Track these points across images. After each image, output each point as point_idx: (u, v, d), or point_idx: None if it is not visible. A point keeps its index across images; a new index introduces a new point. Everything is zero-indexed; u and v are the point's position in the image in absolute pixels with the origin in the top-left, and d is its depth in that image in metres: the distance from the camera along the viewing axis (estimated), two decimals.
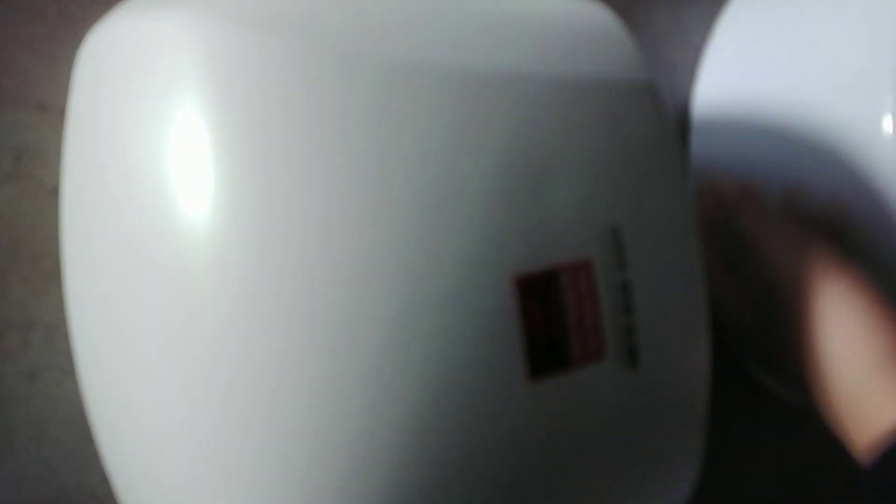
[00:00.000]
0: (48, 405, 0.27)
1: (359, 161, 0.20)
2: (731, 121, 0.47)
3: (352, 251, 0.20)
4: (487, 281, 0.21)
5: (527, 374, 0.21)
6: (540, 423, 0.22)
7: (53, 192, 0.27)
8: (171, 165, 0.20)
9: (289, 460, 0.19)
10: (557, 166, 0.22)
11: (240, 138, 0.20)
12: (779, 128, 0.44)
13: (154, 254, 0.21)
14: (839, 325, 0.30)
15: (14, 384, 0.26)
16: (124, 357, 0.22)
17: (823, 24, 0.45)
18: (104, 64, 0.23)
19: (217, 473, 0.20)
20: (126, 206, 0.22)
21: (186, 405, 0.20)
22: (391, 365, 0.20)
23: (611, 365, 0.23)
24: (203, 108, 0.20)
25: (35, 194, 0.26)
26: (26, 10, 0.26)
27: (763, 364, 0.36)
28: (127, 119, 0.22)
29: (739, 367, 0.38)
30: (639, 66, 0.26)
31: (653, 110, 0.25)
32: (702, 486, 0.28)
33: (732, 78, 0.48)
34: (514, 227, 0.21)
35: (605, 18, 0.27)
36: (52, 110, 0.26)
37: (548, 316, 0.22)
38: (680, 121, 0.48)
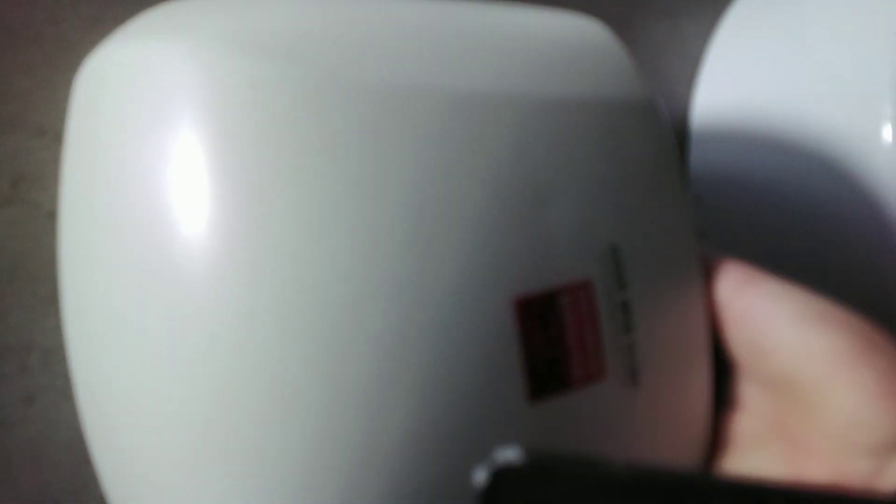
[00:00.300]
0: (46, 429, 0.26)
1: (355, 185, 0.20)
2: (729, 132, 0.47)
3: (348, 275, 0.20)
4: (487, 303, 0.21)
5: (527, 396, 0.21)
6: (540, 444, 0.22)
7: (51, 217, 0.27)
8: (169, 191, 0.20)
9: (283, 484, 0.19)
10: (555, 186, 0.22)
11: (238, 163, 0.20)
12: (778, 138, 0.44)
13: (151, 278, 0.21)
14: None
15: (12, 408, 0.26)
16: (122, 379, 0.22)
17: (822, 35, 0.45)
18: (102, 89, 0.23)
19: (211, 492, 0.20)
20: (124, 230, 0.22)
21: (183, 427, 0.20)
22: (388, 387, 0.20)
23: (611, 384, 0.23)
24: (201, 134, 0.20)
25: (32, 218, 0.26)
26: (24, 36, 0.26)
27: None
28: (125, 144, 0.22)
29: None
30: (636, 83, 0.26)
31: (651, 127, 0.25)
32: None
33: (731, 89, 0.48)
34: (513, 248, 0.21)
35: (601, 35, 0.27)
36: (50, 134, 0.26)
37: (548, 337, 0.22)
38: (678, 132, 0.48)
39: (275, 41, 0.20)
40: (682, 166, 0.26)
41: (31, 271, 0.26)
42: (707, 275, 0.26)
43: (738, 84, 0.47)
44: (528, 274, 0.21)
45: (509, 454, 0.16)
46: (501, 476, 0.16)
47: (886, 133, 0.41)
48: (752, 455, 0.26)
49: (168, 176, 0.20)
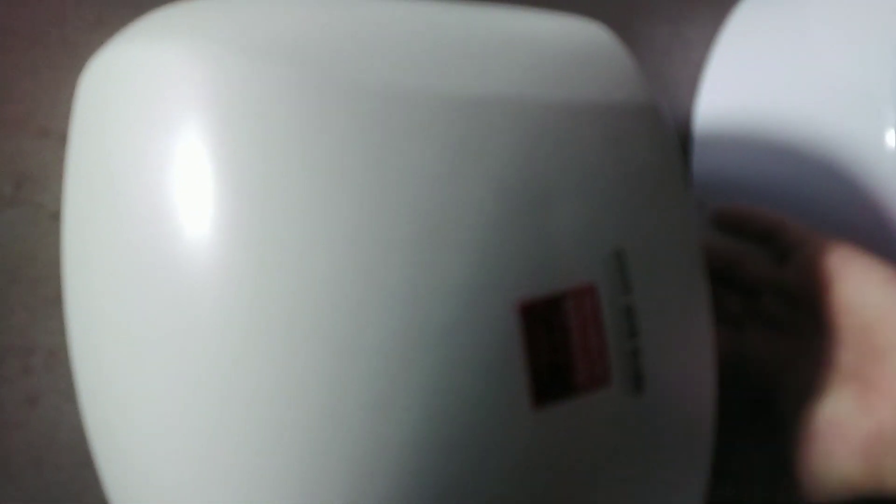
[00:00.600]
0: (48, 430, 0.26)
1: (358, 188, 0.20)
2: (732, 136, 0.47)
3: (352, 279, 0.19)
4: (491, 308, 0.21)
5: (532, 402, 0.21)
6: (545, 450, 0.22)
7: (54, 217, 0.26)
8: (173, 193, 0.20)
9: (286, 486, 0.19)
10: (560, 191, 0.22)
11: (242, 166, 0.20)
12: (780, 143, 0.44)
13: (155, 279, 0.21)
14: None
15: (14, 409, 0.26)
16: (125, 381, 0.22)
17: (825, 40, 0.45)
18: (106, 91, 0.23)
19: (213, 495, 0.20)
20: (128, 231, 0.22)
21: (186, 431, 0.20)
22: (393, 392, 0.20)
23: (616, 390, 0.23)
24: (205, 136, 0.20)
25: (36, 220, 0.26)
26: (28, 37, 0.26)
27: None
28: (129, 146, 0.22)
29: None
30: (639, 87, 0.26)
31: (654, 131, 0.25)
32: None
33: (734, 93, 0.48)
34: (518, 253, 0.21)
35: (605, 38, 0.27)
36: (54, 136, 0.26)
37: (552, 342, 0.22)
38: (681, 136, 0.48)
39: (278, 44, 0.20)
40: (685, 169, 0.26)
41: (34, 272, 0.26)
42: (813, 250, 0.33)
43: (741, 89, 0.47)
44: (533, 278, 0.21)
45: None
46: None
47: (889, 138, 0.41)
48: (826, 400, 0.30)
49: (172, 177, 0.20)
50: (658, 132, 0.25)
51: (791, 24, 0.47)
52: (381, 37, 0.22)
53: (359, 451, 0.19)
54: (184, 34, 0.21)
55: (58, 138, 0.27)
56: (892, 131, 0.40)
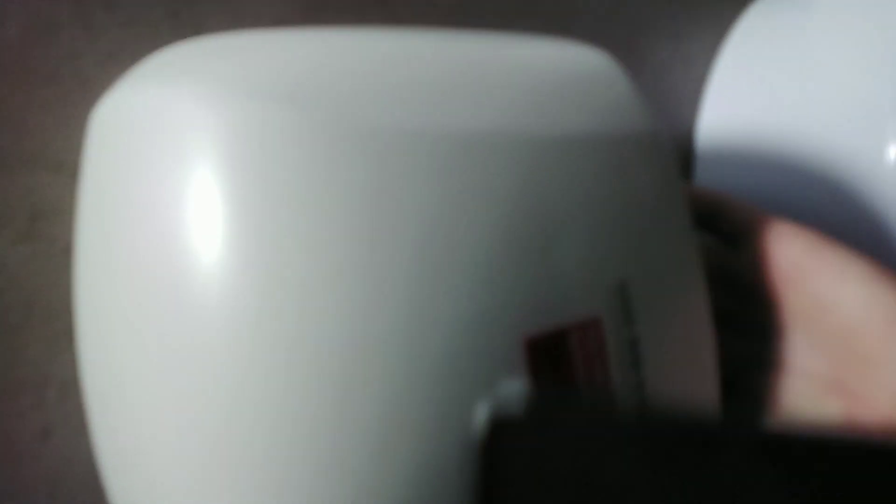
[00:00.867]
0: (62, 463, 0.27)
1: (363, 226, 0.20)
2: (734, 151, 0.47)
3: (356, 314, 0.20)
4: (497, 343, 0.21)
5: None
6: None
7: (67, 251, 0.27)
8: (184, 229, 0.21)
9: None
10: (563, 224, 0.23)
11: (251, 205, 0.20)
12: (782, 158, 0.45)
13: (164, 311, 0.21)
14: None
15: (28, 443, 0.26)
16: (137, 412, 0.23)
17: (826, 54, 0.45)
18: (118, 130, 0.23)
19: None
20: (140, 262, 0.22)
21: (197, 460, 0.21)
22: (398, 427, 0.20)
23: None
24: (215, 176, 0.20)
25: (49, 253, 0.27)
26: (41, 73, 0.26)
27: None
28: (141, 183, 0.22)
29: None
30: (641, 115, 0.26)
31: (655, 160, 0.25)
32: None
33: (735, 108, 0.48)
34: (523, 288, 0.22)
35: (606, 66, 0.27)
36: (66, 170, 0.27)
37: (559, 376, 0.22)
38: (684, 151, 0.48)
39: (283, 87, 0.21)
40: (686, 197, 0.26)
41: (47, 306, 0.27)
42: (769, 236, 0.28)
43: (743, 104, 0.48)
44: (538, 313, 0.22)
45: (512, 389, 0.15)
46: (503, 427, 0.15)
47: (891, 152, 0.41)
48: (809, 413, 0.27)
49: (183, 215, 0.21)
50: (659, 160, 0.25)
51: (792, 38, 0.47)
52: (383, 75, 0.22)
53: (361, 484, 0.20)
54: (193, 77, 0.21)
55: (70, 172, 0.27)
56: (894, 147, 0.41)
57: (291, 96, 0.21)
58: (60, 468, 0.27)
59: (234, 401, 0.20)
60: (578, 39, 0.40)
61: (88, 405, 0.25)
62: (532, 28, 0.39)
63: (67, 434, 0.27)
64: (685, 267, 0.25)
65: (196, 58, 0.23)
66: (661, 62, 0.46)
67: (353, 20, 0.33)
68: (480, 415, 0.17)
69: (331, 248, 0.20)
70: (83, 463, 0.27)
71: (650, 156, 0.25)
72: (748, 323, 0.29)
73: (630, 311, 0.23)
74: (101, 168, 0.24)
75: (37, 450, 0.26)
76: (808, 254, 0.28)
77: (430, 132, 0.22)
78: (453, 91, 0.23)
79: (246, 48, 0.23)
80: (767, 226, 0.28)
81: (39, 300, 0.27)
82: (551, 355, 0.22)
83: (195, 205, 0.20)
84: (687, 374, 0.25)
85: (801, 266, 0.27)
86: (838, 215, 0.43)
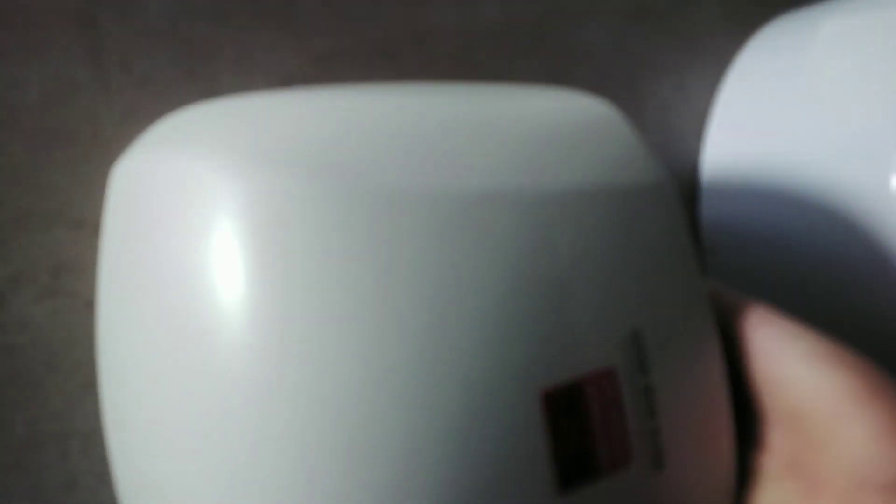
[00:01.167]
0: None
1: (378, 286, 0.21)
2: (739, 185, 0.48)
3: (372, 373, 0.20)
4: (513, 399, 0.21)
5: (556, 489, 0.22)
6: None
7: (89, 305, 0.27)
8: (207, 289, 0.21)
9: None
10: (574, 276, 0.23)
11: (270, 267, 0.21)
12: (786, 190, 0.45)
13: (185, 363, 0.22)
14: None
15: (53, 495, 0.27)
16: (160, 463, 0.23)
17: (826, 88, 0.45)
18: (138, 189, 0.24)
19: None
20: (161, 317, 0.23)
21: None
22: (412, 483, 0.20)
23: (637, 469, 0.23)
24: (234, 241, 0.21)
25: (72, 308, 0.27)
26: (62, 134, 0.27)
27: None
28: (160, 245, 0.23)
29: None
30: (646, 165, 0.26)
31: (663, 208, 0.26)
32: None
33: (738, 143, 0.49)
34: (537, 342, 0.22)
35: (609, 116, 0.27)
36: (87, 226, 0.28)
37: (575, 429, 0.22)
38: (689, 186, 0.49)
39: (298, 152, 0.22)
40: (695, 243, 0.27)
41: (70, 359, 0.27)
42: (730, 314, 0.28)
43: (745, 138, 0.48)
44: (553, 366, 0.22)
45: None
46: None
47: (894, 184, 0.41)
48: (770, 492, 0.27)
49: (204, 274, 0.21)
50: (667, 209, 0.26)
51: (792, 72, 0.47)
52: (393, 138, 0.23)
53: None
54: (211, 143, 0.22)
55: (91, 228, 0.28)
56: None
57: (305, 162, 0.21)
58: None
59: (254, 454, 0.21)
60: (580, 80, 0.41)
61: (111, 456, 0.26)
62: (534, 70, 0.40)
63: (91, 485, 0.27)
64: (696, 314, 0.26)
65: (214, 121, 0.24)
66: (664, 98, 0.46)
67: (361, 71, 0.34)
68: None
69: (347, 310, 0.21)
70: None
71: (657, 205, 0.26)
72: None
73: (644, 359, 0.24)
74: (122, 227, 0.25)
75: (62, 502, 0.27)
76: (756, 328, 0.27)
77: (440, 192, 0.22)
78: (461, 150, 0.23)
79: (260, 112, 0.24)
80: (746, 312, 0.28)
81: (62, 355, 0.27)
82: (568, 408, 0.22)
83: (216, 265, 0.21)
84: (702, 421, 0.25)
85: (750, 342, 0.27)
86: (843, 247, 0.43)
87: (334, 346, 0.20)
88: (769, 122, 0.47)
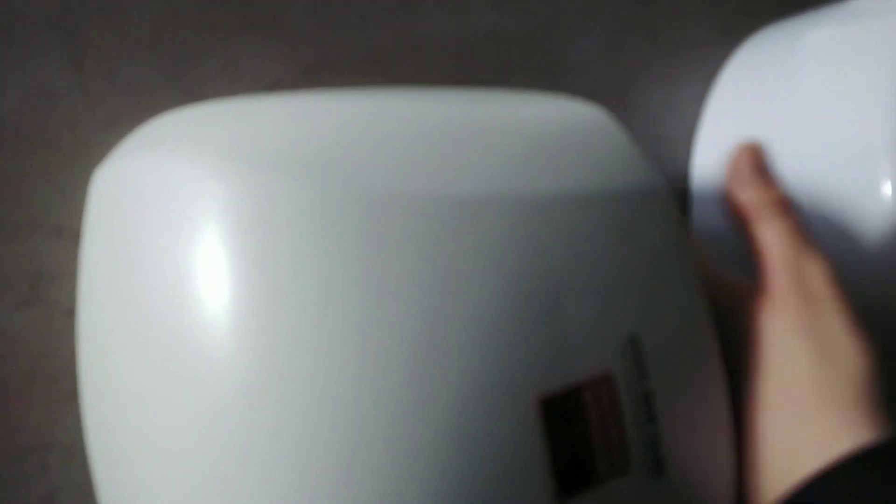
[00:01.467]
0: None
1: (368, 291, 0.20)
2: None
3: (365, 380, 0.20)
4: (510, 405, 0.21)
5: (555, 496, 0.21)
6: None
7: (70, 314, 0.27)
8: (192, 296, 0.21)
9: None
10: (571, 281, 0.23)
11: (256, 272, 0.20)
12: None
13: (168, 367, 0.21)
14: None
15: None
16: (143, 473, 0.23)
17: (814, 95, 0.45)
18: (120, 195, 0.23)
19: None
20: (146, 323, 0.22)
21: None
22: (412, 493, 0.20)
23: (637, 476, 0.23)
24: (219, 243, 0.20)
25: (52, 317, 0.27)
26: (40, 140, 0.26)
27: None
28: (146, 250, 0.22)
29: None
30: (640, 169, 0.26)
31: (660, 213, 0.26)
32: None
33: (728, 152, 0.48)
34: (534, 348, 0.22)
35: (603, 121, 0.27)
36: (67, 234, 0.27)
37: (573, 435, 0.22)
38: (679, 194, 0.49)
39: (283, 154, 0.21)
40: (692, 248, 0.26)
41: (51, 370, 0.27)
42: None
43: (735, 145, 0.48)
44: (550, 371, 0.22)
45: None
46: None
47: (883, 190, 0.41)
48: None
49: (189, 279, 0.21)
50: (664, 214, 0.26)
51: (780, 80, 0.47)
52: (382, 140, 0.22)
53: None
54: (196, 145, 0.22)
55: (71, 236, 0.27)
56: (888, 182, 0.41)
57: (290, 164, 0.21)
58: None
59: (239, 461, 0.20)
60: (570, 90, 0.41)
61: (93, 468, 0.25)
62: (525, 80, 0.39)
63: (72, 498, 0.27)
64: (695, 318, 0.25)
65: (197, 124, 0.23)
66: (654, 108, 0.46)
67: (350, 80, 0.34)
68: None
69: (336, 315, 0.20)
70: None
71: (652, 210, 0.26)
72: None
73: (642, 364, 0.23)
74: (104, 233, 0.24)
75: None
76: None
77: (431, 196, 0.22)
78: (453, 154, 0.23)
79: (244, 115, 0.23)
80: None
81: (42, 364, 0.26)
82: (566, 413, 0.22)
83: (201, 270, 0.21)
84: (702, 425, 0.25)
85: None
86: (833, 253, 0.43)
87: (323, 353, 0.20)
88: (758, 130, 0.47)
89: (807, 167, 0.44)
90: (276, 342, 0.20)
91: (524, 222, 0.23)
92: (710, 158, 0.49)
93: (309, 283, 0.20)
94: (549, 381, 0.22)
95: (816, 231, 0.43)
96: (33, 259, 0.26)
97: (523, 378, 0.21)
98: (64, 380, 0.27)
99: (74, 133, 0.27)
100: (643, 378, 0.23)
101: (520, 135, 0.25)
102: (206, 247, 0.20)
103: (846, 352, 0.28)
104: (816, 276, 0.30)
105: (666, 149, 0.48)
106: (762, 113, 0.48)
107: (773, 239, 0.31)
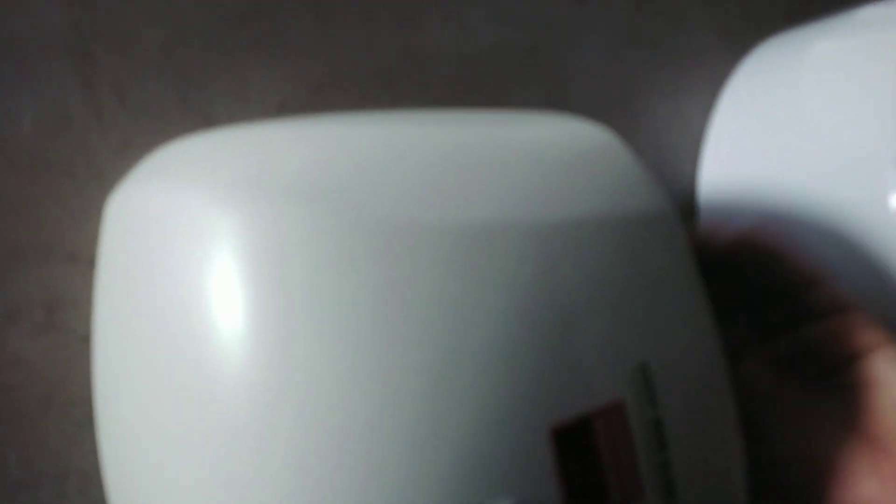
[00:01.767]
0: None
1: (380, 320, 0.21)
2: (735, 204, 0.48)
3: (375, 410, 0.20)
4: (524, 436, 0.21)
5: None
6: None
7: (85, 340, 0.27)
8: (206, 323, 0.21)
9: None
10: (581, 308, 0.23)
11: (271, 300, 0.20)
12: (782, 209, 0.45)
13: (183, 395, 0.21)
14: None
15: None
16: (159, 497, 0.23)
17: (820, 106, 0.45)
18: (135, 222, 0.24)
19: None
20: (160, 353, 0.22)
21: None
22: None
23: (649, 503, 0.23)
24: (233, 272, 0.21)
25: (67, 343, 0.27)
26: (56, 166, 0.27)
27: None
28: (158, 275, 0.22)
29: None
30: (648, 192, 0.26)
31: (668, 236, 0.26)
32: None
33: (734, 163, 0.49)
34: (545, 377, 0.22)
35: (610, 143, 0.27)
36: (82, 260, 0.27)
37: (584, 465, 0.22)
38: (686, 206, 0.48)
39: (295, 183, 0.21)
40: (700, 272, 0.26)
41: (66, 396, 0.27)
42: (858, 344, 0.29)
43: (741, 158, 0.48)
44: (561, 400, 0.22)
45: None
46: None
47: (890, 201, 0.41)
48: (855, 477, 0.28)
49: (203, 307, 0.21)
50: (671, 237, 0.26)
51: (786, 91, 0.47)
52: (392, 168, 0.23)
53: None
54: (208, 174, 0.22)
55: (86, 263, 0.27)
56: (894, 194, 0.41)
57: (303, 193, 0.21)
58: None
59: (254, 488, 0.20)
60: (575, 101, 0.41)
61: (110, 494, 0.25)
62: (528, 93, 0.40)
63: None
64: (704, 344, 0.26)
65: (210, 152, 0.23)
66: (659, 120, 0.46)
67: (356, 96, 0.34)
68: None
69: (349, 344, 0.20)
70: None
71: (660, 233, 0.26)
72: (813, 383, 0.30)
73: (652, 391, 0.23)
74: (119, 259, 0.24)
75: None
76: (890, 371, 0.29)
77: (442, 224, 0.22)
78: (464, 181, 0.23)
79: (257, 142, 0.23)
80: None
81: (58, 391, 0.27)
82: (577, 442, 0.22)
83: (216, 298, 0.21)
84: (713, 450, 0.25)
85: (882, 380, 0.29)
86: (839, 265, 0.43)
87: (336, 381, 0.20)
88: (764, 141, 0.47)
89: (813, 177, 0.44)
90: (289, 370, 0.20)
91: (535, 249, 0.23)
92: (716, 169, 0.49)
93: (322, 312, 0.20)
94: (560, 410, 0.22)
95: (822, 243, 0.43)
96: (48, 286, 0.27)
97: (536, 408, 0.21)
98: (79, 406, 0.27)
99: (88, 157, 0.27)
100: (653, 405, 0.23)
101: (528, 159, 0.25)
102: (220, 275, 0.21)
103: None
104: None
105: (671, 160, 0.48)
106: (768, 123, 0.47)
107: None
